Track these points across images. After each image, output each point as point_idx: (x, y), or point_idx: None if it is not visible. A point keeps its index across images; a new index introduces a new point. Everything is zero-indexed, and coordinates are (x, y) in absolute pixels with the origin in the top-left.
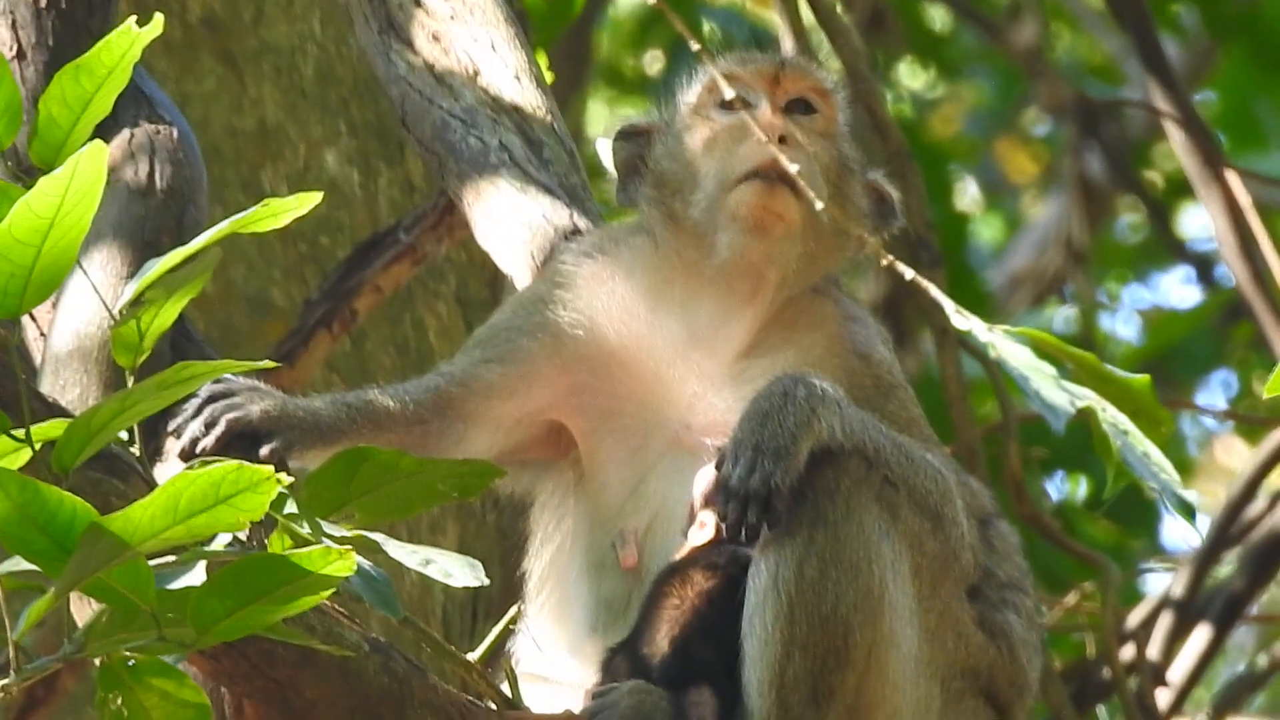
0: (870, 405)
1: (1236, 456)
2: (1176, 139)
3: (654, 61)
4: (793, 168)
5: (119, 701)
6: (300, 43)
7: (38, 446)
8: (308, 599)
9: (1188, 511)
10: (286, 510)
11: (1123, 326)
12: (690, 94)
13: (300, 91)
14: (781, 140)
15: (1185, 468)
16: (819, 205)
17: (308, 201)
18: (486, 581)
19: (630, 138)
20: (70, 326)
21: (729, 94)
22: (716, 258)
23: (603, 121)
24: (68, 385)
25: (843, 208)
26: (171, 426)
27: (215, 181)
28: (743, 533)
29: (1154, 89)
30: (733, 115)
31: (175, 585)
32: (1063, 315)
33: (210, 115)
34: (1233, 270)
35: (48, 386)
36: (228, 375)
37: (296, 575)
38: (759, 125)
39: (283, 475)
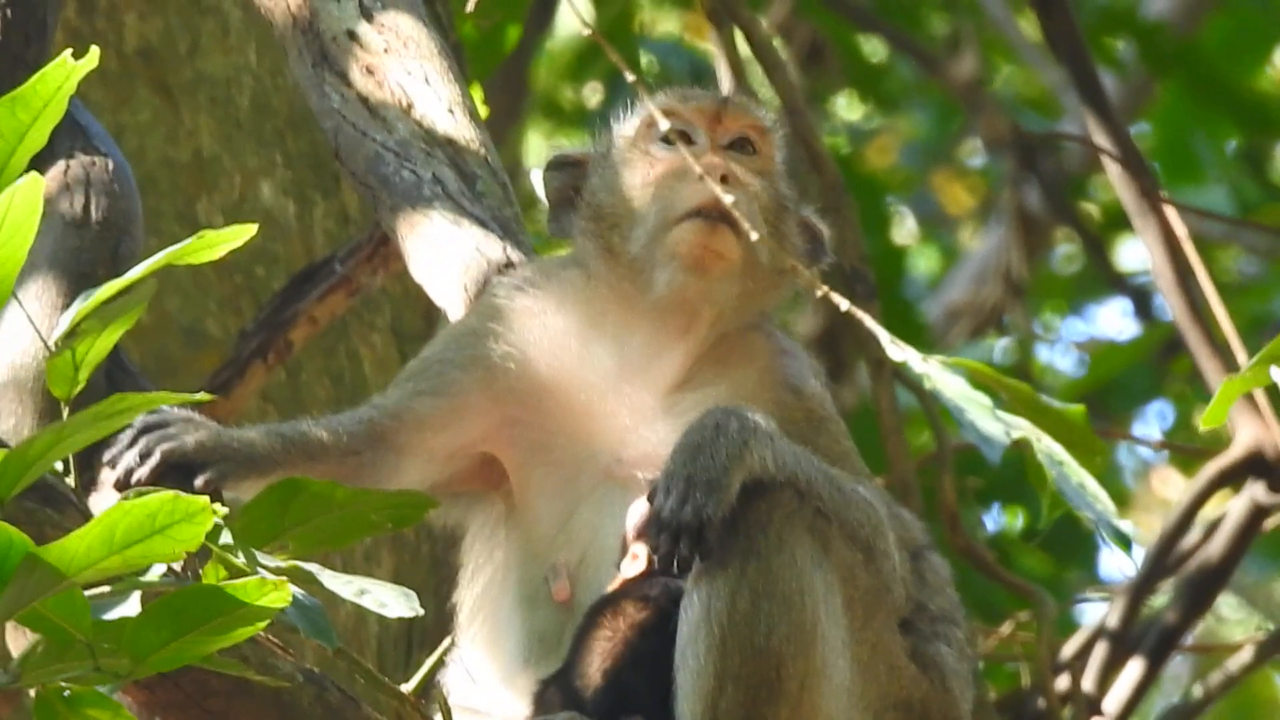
0: (802, 439)
1: (1172, 487)
2: (1114, 172)
3: (593, 93)
4: (733, 207)
5: None
6: (236, 74)
7: None
8: (244, 630)
9: (1124, 542)
10: (222, 541)
11: (1060, 359)
12: (628, 127)
13: (236, 123)
14: (723, 180)
15: (1121, 499)
16: (762, 247)
17: (243, 233)
18: (421, 612)
19: (562, 168)
20: (5, 358)
21: (664, 124)
22: (653, 293)
23: (541, 153)
24: (2, 416)
25: (780, 246)
26: (106, 457)
27: (150, 212)
28: (675, 565)
29: (1091, 122)
30: (672, 151)
31: (111, 615)
32: (1001, 347)
33: (145, 146)
34: (1170, 304)
35: None
36: (163, 406)
37: (232, 606)
38: (700, 164)
39: (218, 506)
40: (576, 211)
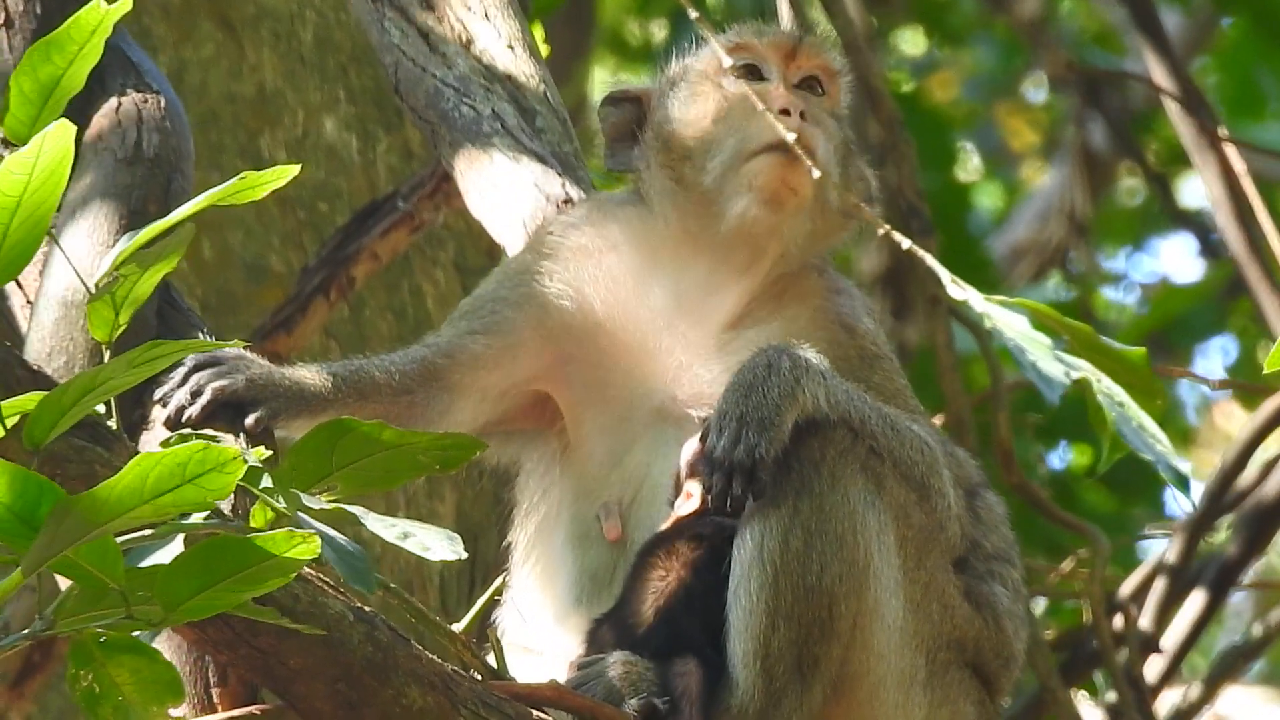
0: (855, 376)
1: (1235, 422)
2: (1174, 113)
3: (659, 29)
4: (816, 147)
5: (90, 678)
6: (299, 9)
7: (14, 421)
8: (276, 580)
9: (1182, 482)
10: (263, 485)
11: (1125, 295)
12: (700, 59)
13: (299, 58)
14: (800, 116)
15: (1184, 435)
16: (832, 187)
17: (285, 174)
18: (464, 555)
19: (620, 103)
20: (57, 294)
21: (726, 60)
22: (723, 225)
23: (606, 90)
24: (54, 353)
25: (848, 188)
26: (158, 395)
27: (213, 147)
28: (728, 503)
29: (1151, 61)
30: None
31: (145, 563)
32: (1065, 286)
33: (209, 81)
34: (1231, 243)
35: (34, 354)
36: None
37: (262, 557)
38: (777, 99)
39: (252, 453)
40: (640, 145)
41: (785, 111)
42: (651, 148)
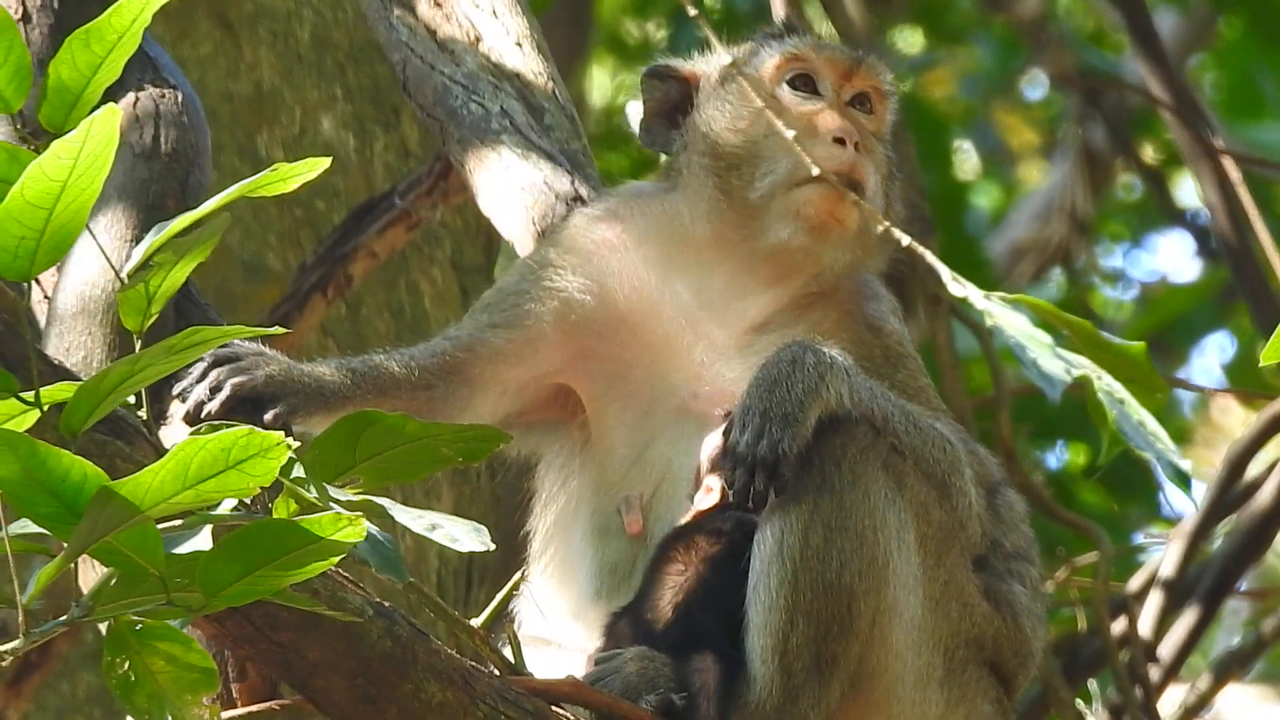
0: (879, 375)
1: (1233, 417)
2: (1170, 120)
3: (657, 28)
4: (868, 180)
5: (125, 665)
6: (296, 7)
7: (45, 409)
8: (317, 565)
9: (1183, 480)
10: (293, 475)
11: (1124, 293)
12: (755, 64)
13: (296, 56)
14: (855, 147)
15: (1181, 433)
16: (879, 216)
17: (316, 166)
18: (492, 547)
19: (665, 79)
20: (75, 289)
21: (726, 53)
22: (762, 242)
23: (604, 89)
24: (72, 348)
25: (887, 212)
26: (177, 390)
27: (211, 146)
28: (749, 499)
29: (1145, 68)
30: (801, 100)
31: (183, 549)
32: (1065, 285)
33: (206, 79)
34: (1226, 246)
35: (52, 349)
36: (233, 340)
37: (306, 541)
38: (831, 126)
39: (291, 440)
40: (682, 132)
41: (840, 140)
42: (695, 146)
